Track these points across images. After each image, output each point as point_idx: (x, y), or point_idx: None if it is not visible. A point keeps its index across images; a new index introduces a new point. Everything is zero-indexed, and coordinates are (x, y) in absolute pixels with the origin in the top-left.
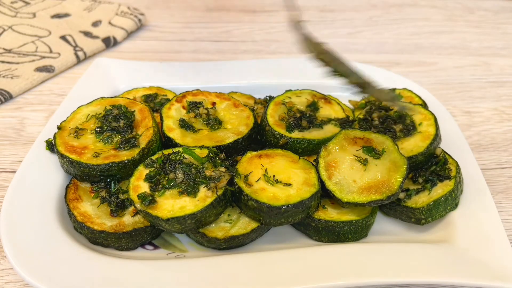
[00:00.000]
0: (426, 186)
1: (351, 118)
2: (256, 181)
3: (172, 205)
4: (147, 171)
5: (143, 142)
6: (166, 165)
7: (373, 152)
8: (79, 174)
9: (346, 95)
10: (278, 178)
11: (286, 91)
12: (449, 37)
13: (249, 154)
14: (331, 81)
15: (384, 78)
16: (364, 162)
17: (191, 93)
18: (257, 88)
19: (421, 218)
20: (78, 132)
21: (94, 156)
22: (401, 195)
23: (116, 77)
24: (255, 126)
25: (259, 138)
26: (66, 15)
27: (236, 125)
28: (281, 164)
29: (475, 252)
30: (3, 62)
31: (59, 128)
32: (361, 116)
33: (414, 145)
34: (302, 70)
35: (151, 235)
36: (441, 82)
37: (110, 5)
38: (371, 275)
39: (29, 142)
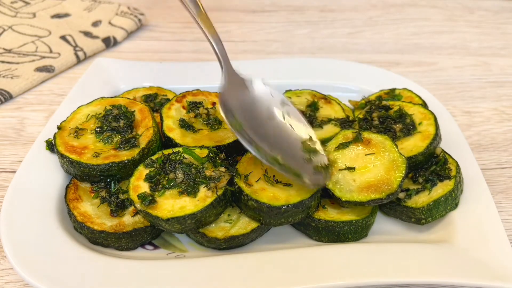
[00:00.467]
0: (426, 186)
1: (351, 118)
2: (256, 181)
3: (172, 205)
4: (147, 171)
5: (143, 142)
6: (166, 165)
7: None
8: (79, 174)
9: (346, 95)
10: (278, 178)
11: (286, 91)
12: (449, 37)
13: (249, 154)
14: (331, 81)
15: (384, 78)
16: (364, 162)
17: (191, 93)
18: None
19: (421, 218)
20: (78, 132)
21: (94, 156)
22: (401, 195)
23: (116, 77)
24: None
25: None
26: (66, 15)
27: None
28: None
29: (475, 252)
30: (3, 62)
31: (59, 128)
32: (361, 116)
33: (414, 145)
34: (302, 70)
35: (151, 235)
36: (441, 82)
37: (110, 5)
38: (371, 275)
39: (29, 142)
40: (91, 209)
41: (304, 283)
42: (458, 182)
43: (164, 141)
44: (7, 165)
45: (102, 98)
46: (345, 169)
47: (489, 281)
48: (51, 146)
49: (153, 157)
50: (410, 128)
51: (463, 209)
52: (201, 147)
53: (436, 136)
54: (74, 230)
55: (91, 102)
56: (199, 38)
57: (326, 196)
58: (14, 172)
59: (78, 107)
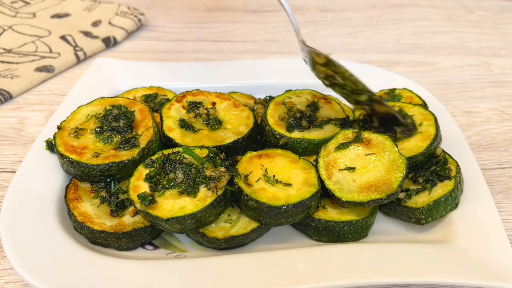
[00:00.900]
0: (426, 186)
1: (351, 118)
2: (256, 181)
3: (172, 205)
4: (147, 171)
5: (143, 142)
6: (166, 165)
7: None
8: (79, 174)
9: None
10: (278, 178)
11: (286, 91)
12: (449, 37)
13: (249, 154)
14: None
15: (384, 78)
16: (364, 162)
17: (191, 93)
18: (257, 88)
19: (421, 218)
20: (78, 132)
21: (94, 156)
22: (401, 195)
23: (116, 77)
24: (255, 126)
25: (259, 138)
26: (66, 15)
27: (236, 125)
28: (281, 164)
29: (475, 252)
30: (3, 62)
31: (59, 128)
32: (361, 117)
33: (414, 145)
34: (302, 70)
35: (151, 235)
36: (441, 82)
37: (110, 5)
38: (371, 275)
39: (29, 142)
40: (91, 209)
41: (304, 283)
42: (458, 182)
43: (164, 141)
44: (7, 165)
45: (102, 98)
46: (345, 169)
47: (489, 281)
48: (51, 146)
49: (153, 157)
50: (411, 129)
51: (463, 209)
52: (201, 147)
53: (437, 137)
54: (74, 230)
55: (91, 102)
56: (199, 38)
57: (326, 196)
58: (14, 172)
59: (78, 107)
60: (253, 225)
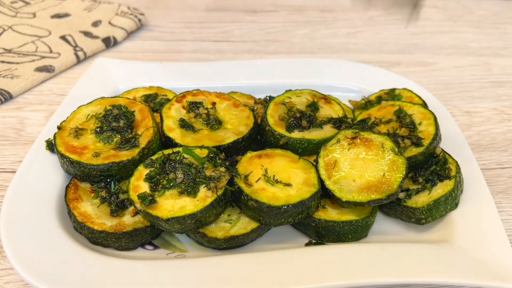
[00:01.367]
0: (426, 186)
1: (351, 118)
2: (256, 181)
3: (172, 205)
4: (147, 171)
5: (143, 142)
6: (166, 165)
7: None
8: (79, 174)
9: (346, 95)
10: (278, 178)
11: (286, 91)
12: (449, 37)
13: (249, 154)
14: (331, 81)
15: (384, 78)
16: (364, 162)
17: (191, 93)
18: (257, 88)
19: (421, 218)
20: (78, 132)
21: (94, 156)
22: (401, 195)
23: (116, 77)
24: (255, 126)
25: (259, 138)
26: (66, 15)
27: (236, 125)
28: (281, 164)
29: (475, 252)
30: (3, 62)
31: (59, 128)
32: (361, 117)
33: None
34: (302, 70)
35: (151, 235)
36: (441, 82)
37: (110, 5)
38: (371, 275)
39: (29, 142)
40: (91, 209)
41: (304, 283)
42: (458, 182)
43: (164, 141)
44: (7, 165)
45: (102, 98)
46: (345, 169)
47: (489, 281)
48: (51, 146)
49: (153, 157)
50: (411, 129)
51: (463, 209)
52: (201, 147)
53: (436, 136)
54: (74, 230)
55: (91, 102)
56: (199, 38)
57: (326, 196)
58: (14, 172)
59: (78, 107)
60: (253, 225)
